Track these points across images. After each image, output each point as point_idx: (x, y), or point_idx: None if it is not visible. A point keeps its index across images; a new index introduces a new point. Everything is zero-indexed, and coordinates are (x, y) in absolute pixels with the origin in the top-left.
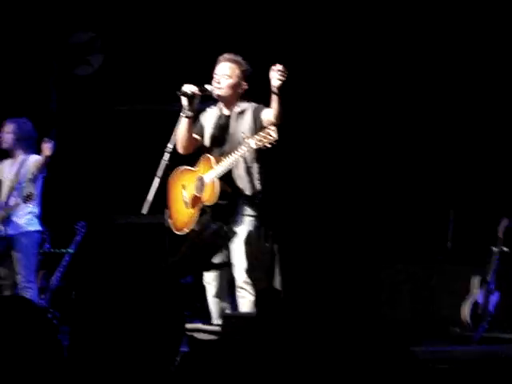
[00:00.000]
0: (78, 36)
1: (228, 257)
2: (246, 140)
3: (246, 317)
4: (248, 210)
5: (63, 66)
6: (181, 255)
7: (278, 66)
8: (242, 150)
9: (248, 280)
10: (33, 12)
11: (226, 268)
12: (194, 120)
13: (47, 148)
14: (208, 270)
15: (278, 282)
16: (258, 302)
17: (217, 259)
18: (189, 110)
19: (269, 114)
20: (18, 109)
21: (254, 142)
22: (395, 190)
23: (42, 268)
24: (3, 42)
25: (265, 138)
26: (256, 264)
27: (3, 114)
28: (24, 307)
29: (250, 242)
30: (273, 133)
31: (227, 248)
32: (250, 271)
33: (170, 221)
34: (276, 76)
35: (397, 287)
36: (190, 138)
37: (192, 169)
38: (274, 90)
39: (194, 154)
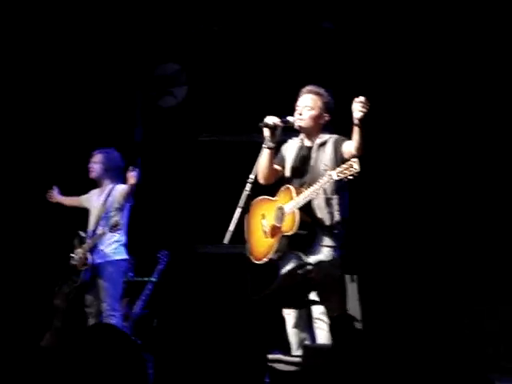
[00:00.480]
0: (163, 68)
1: (303, 260)
2: (327, 172)
3: (325, 348)
4: (326, 241)
5: (148, 97)
6: (270, 292)
7: (361, 98)
8: (323, 182)
9: (325, 311)
10: (119, 44)
11: None
12: (276, 151)
13: (132, 177)
14: (302, 307)
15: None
16: (332, 329)
17: (294, 263)
18: (270, 142)
19: (350, 146)
20: (104, 139)
21: (335, 174)
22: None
23: (125, 296)
24: (90, 73)
25: (347, 169)
26: (331, 293)
27: (91, 145)
28: (117, 336)
29: (326, 271)
30: (355, 165)
31: (305, 254)
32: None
33: (249, 250)
34: (358, 108)
35: (483, 326)
36: (271, 169)
37: (272, 198)
38: (356, 121)
39: (274, 185)
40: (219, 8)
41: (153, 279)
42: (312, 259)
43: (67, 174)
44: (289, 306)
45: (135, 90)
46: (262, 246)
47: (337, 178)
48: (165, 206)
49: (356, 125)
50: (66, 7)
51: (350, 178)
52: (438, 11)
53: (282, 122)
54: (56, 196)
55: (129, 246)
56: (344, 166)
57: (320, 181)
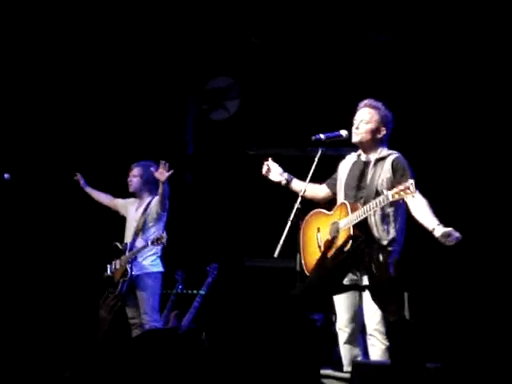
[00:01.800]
0: (216, 81)
1: (357, 282)
2: (384, 191)
3: (376, 365)
4: (381, 258)
5: (200, 110)
6: (308, 283)
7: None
8: (379, 202)
9: (379, 328)
10: (172, 57)
11: (358, 314)
12: (332, 169)
13: (161, 173)
14: (338, 292)
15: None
16: (390, 334)
17: (346, 280)
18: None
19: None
20: (155, 152)
21: (391, 195)
22: None
23: (175, 308)
24: (141, 85)
25: (403, 191)
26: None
27: (141, 157)
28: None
29: (381, 289)
30: (412, 187)
31: (358, 271)
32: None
33: (303, 262)
34: (449, 242)
35: None
36: (318, 198)
37: (327, 212)
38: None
39: (331, 200)
40: (272, 21)
41: (202, 292)
42: (365, 277)
43: (118, 186)
44: (330, 293)
45: (187, 102)
46: (315, 259)
47: (391, 200)
48: (215, 219)
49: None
50: (120, 20)
51: (406, 199)
52: (491, 21)
53: (335, 136)
54: (84, 185)
55: (179, 259)
56: (400, 187)
57: (376, 200)
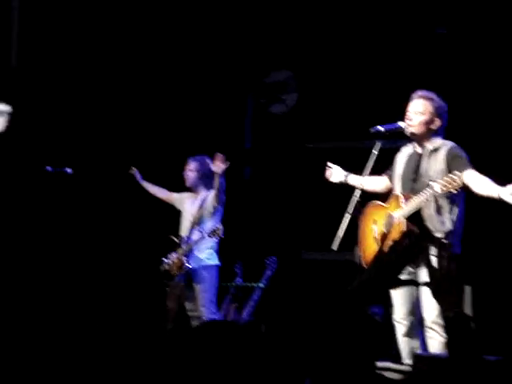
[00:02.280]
0: (275, 75)
1: (415, 275)
2: (430, 183)
3: (436, 357)
4: (437, 251)
5: (258, 104)
6: (365, 276)
7: None
8: (428, 194)
9: (437, 320)
10: (232, 51)
11: (416, 306)
12: (389, 160)
13: (218, 166)
14: (395, 286)
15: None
16: (448, 329)
17: (403, 276)
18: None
19: (468, 177)
20: (212, 146)
21: (438, 187)
22: None
23: (234, 301)
24: (201, 80)
25: (450, 183)
26: (446, 301)
27: (199, 151)
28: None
29: (439, 281)
30: (459, 180)
31: (415, 264)
32: (441, 311)
33: (360, 254)
34: None
35: None
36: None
37: (384, 205)
38: None
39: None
40: (331, 14)
41: (261, 285)
42: (422, 270)
43: (175, 180)
44: (386, 287)
45: (246, 96)
46: (371, 251)
47: (439, 192)
48: (273, 213)
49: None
50: (182, 13)
51: (454, 191)
52: None
53: (393, 128)
54: (140, 179)
55: (239, 252)
56: (447, 179)
57: (425, 192)
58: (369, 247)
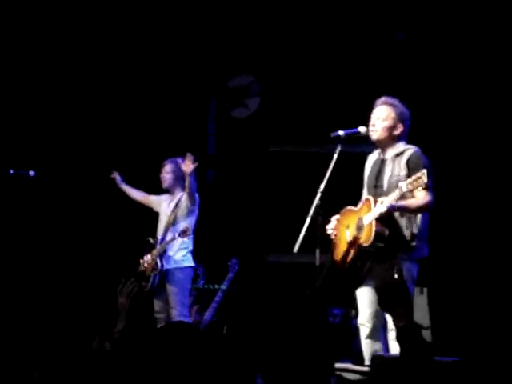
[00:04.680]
0: (237, 80)
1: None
2: (399, 184)
3: (394, 358)
4: (403, 254)
5: (221, 108)
6: (323, 277)
7: None
8: (395, 194)
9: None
10: (194, 55)
11: (379, 309)
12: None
13: (187, 165)
14: (357, 287)
15: (424, 327)
16: (399, 338)
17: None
18: None
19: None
20: (176, 149)
21: (405, 186)
22: None
23: (196, 303)
24: (164, 83)
25: (415, 181)
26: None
27: (163, 155)
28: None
29: (389, 281)
30: (424, 177)
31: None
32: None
33: (334, 260)
34: None
35: None
36: None
37: (355, 209)
38: None
39: (348, 196)
40: (292, 19)
41: (223, 287)
42: (386, 274)
43: (139, 182)
44: (337, 302)
45: (209, 100)
46: (343, 254)
47: (405, 190)
48: (236, 215)
49: None
50: (142, 17)
51: (420, 190)
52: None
53: (353, 133)
54: (120, 182)
55: (201, 254)
56: (413, 177)
57: (392, 193)
58: (342, 252)
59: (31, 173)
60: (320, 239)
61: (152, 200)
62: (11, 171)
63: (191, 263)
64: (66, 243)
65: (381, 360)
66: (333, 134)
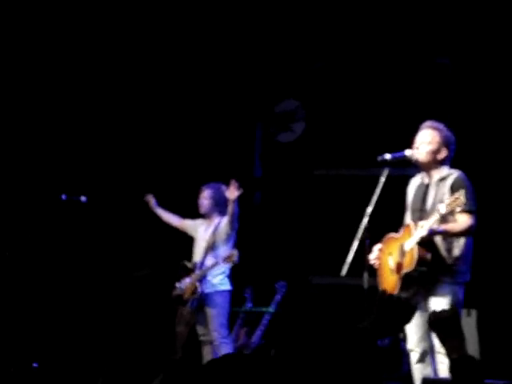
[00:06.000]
0: (283, 104)
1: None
2: (437, 206)
3: (445, 382)
4: (446, 278)
5: (267, 132)
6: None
7: None
8: (434, 217)
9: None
10: (242, 81)
11: (428, 333)
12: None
13: (232, 192)
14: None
15: (473, 349)
16: (452, 370)
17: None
18: None
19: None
20: (223, 173)
21: (443, 207)
22: None
23: (244, 325)
24: (212, 109)
25: (454, 202)
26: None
27: (210, 179)
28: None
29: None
30: (462, 197)
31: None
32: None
33: (382, 289)
34: None
35: None
36: None
37: (397, 236)
38: None
39: (395, 218)
40: (337, 45)
41: (271, 309)
42: (432, 299)
43: (182, 207)
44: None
45: (255, 126)
46: (388, 282)
47: (444, 212)
48: (283, 238)
49: None
50: (189, 41)
51: (458, 210)
52: None
53: (399, 156)
54: (154, 206)
55: (248, 277)
56: (451, 198)
57: (432, 217)
58: (387, 280)
59: (83, 198)
60: (367, 262)
61: (187, 225)
62: (63, 197)
63: (228, 287)
64: (107, 266)
65: (430, 383)
66: (379, 158)
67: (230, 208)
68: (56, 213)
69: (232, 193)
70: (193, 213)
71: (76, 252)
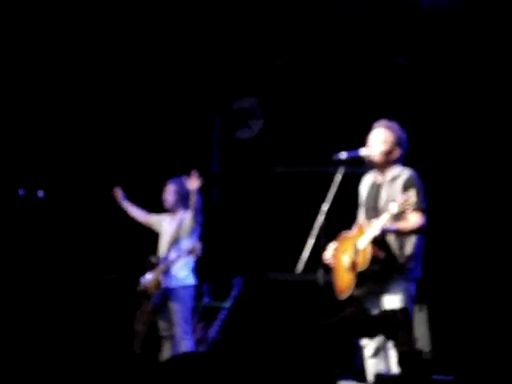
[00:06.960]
0: (241, 102)
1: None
2: (388, 205)
3: (396, 377)
4: (399, 276)
5: (225, 129)
6: (340, 319)
7: None
8: (385, 216)
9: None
10: (199, 78)
11: None
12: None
13: (193, 182)
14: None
15: (420, 338)
16: (401, 363)
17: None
18: None
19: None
20: (180, 169)
21: (394, 206)
22: None
23: (201, 320)
24: (169, 105)
25: (405, 201)
26: (397, 329)
27: (167, 174)
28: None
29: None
30: (413, 197)
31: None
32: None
33: (336, 287)
34: None
35: None
36: None
37: (350, 235)
38: None
39: (350, 216)
40: (297, 43)
41: (227, 304)
42: (385, 296)
43: (142, 202)
44: (356, 337)
45: (213, 122)
46: (343, 281)
47: (395, 211)
48: (240, 235)
49: None
50: (149, 40)
51: (409, 210)
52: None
53: (354, 155)
54: (121, 200)
55: (206, 272)
56: (402, 197)
57: (383, 215)
58: (343, 278)
59: (40, 193)
60: (323, 260)
61: (153, 221)
62: (21, 192)
63: (193, 281)
64: (62, 260)
65: (383, 379)
66: (334, 156)
67: (193, 199)
68: (13, 209)
69: (193, 183)
70: (153, 206)
71: (34, 250)
